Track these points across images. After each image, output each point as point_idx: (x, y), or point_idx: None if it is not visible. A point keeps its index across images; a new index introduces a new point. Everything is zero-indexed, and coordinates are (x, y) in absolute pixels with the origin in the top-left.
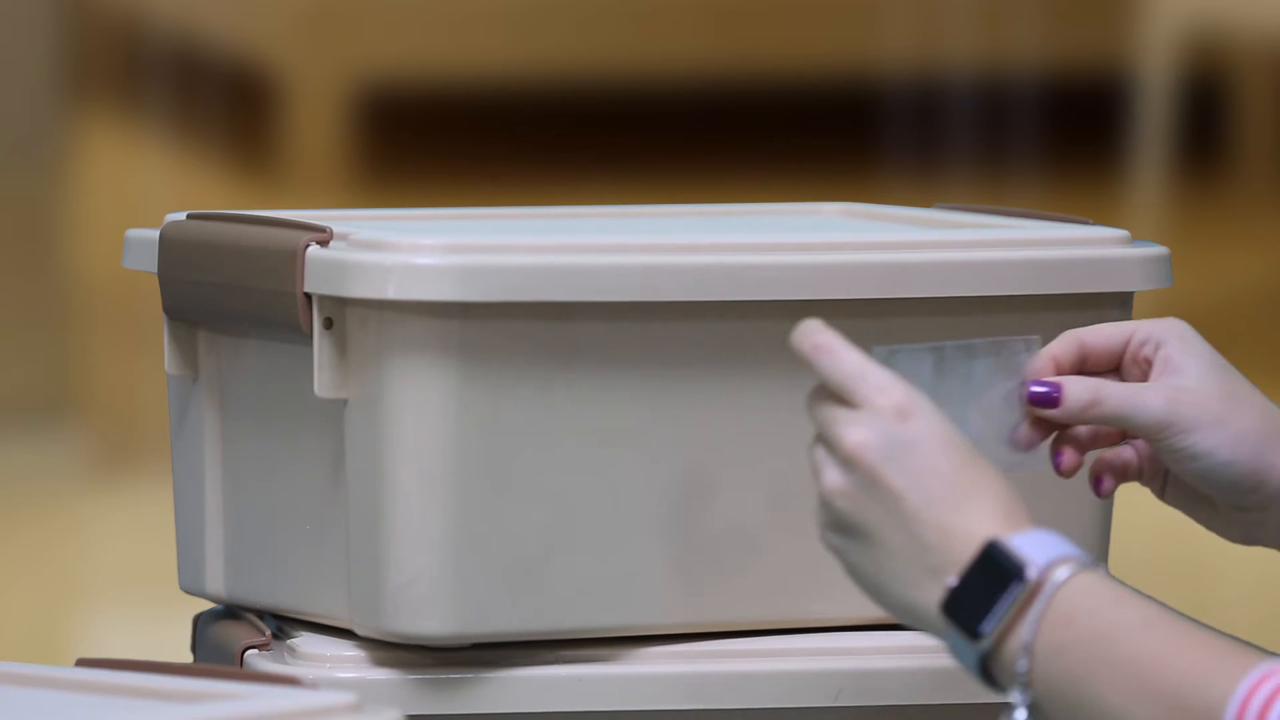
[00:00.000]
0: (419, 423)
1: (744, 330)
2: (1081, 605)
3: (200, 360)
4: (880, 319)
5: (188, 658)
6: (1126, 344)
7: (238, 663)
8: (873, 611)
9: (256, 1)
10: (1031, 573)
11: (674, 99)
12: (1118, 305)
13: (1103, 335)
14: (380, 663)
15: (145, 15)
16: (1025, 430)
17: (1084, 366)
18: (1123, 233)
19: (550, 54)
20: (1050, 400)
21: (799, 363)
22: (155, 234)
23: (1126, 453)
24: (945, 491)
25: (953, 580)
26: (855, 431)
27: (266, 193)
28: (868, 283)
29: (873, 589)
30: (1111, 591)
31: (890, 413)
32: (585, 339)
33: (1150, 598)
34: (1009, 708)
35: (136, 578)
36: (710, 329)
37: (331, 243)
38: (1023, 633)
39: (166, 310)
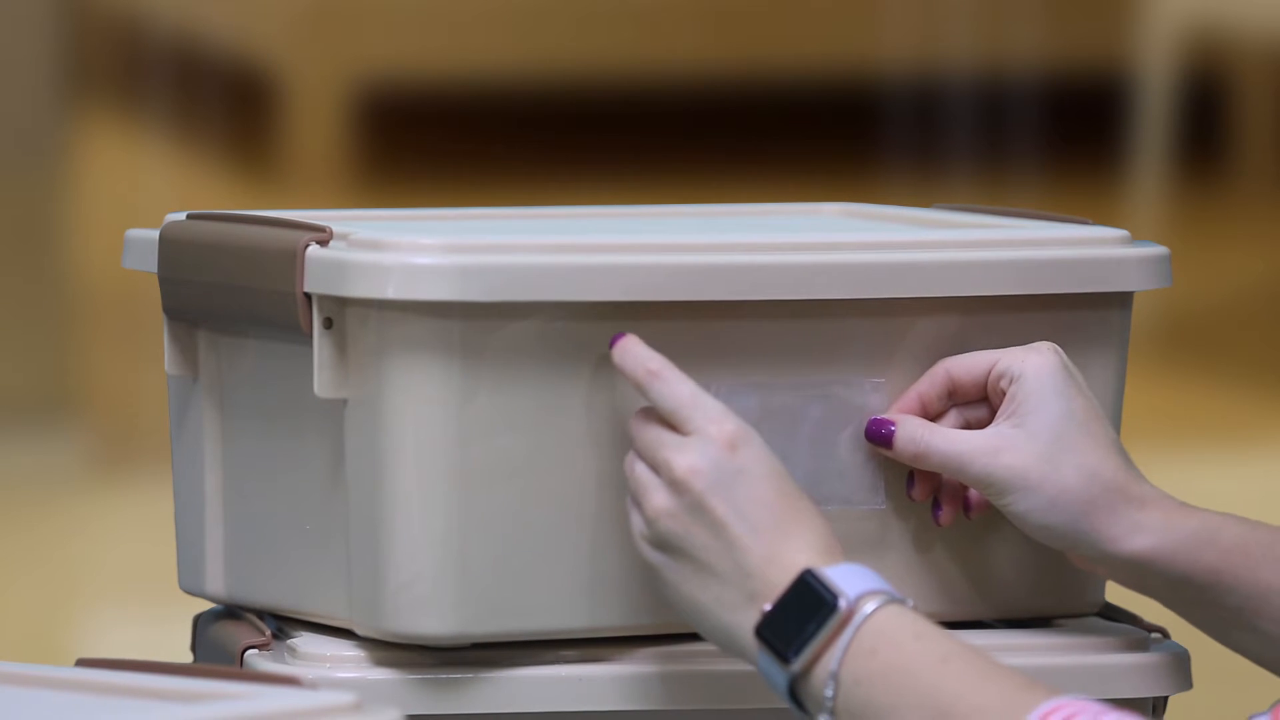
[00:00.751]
0: (419, 422)
1: (744, 330)
2: (886, 637)
3: (200, 360)
4: (880, 318)
5: (188, 658)
6: (988, 374)
7: (238, 663)
8: None
9: (256, 1)
10: (843, 603)
11: (674, 99)
12: (1117, 305)
13: (966, 365)
14: (380, 662)
15: (145, 15)
16: (917, 486)
17: (954, 398)
18: (1122, 232)
19: (550, 54)
20: (884, 440)
21: (631, 384)
22: (155, 234)
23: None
24: (769, 521)
25: (768, 606)
26: (686, 458)
27: (266, 193)
28: (867, 282)
29: (690, 608)
30: (915, 626)
31: (721, 442)
32: (585, 338)
33: (953, 635)
34: None
35: (136, 578)
36: (710, 328)
37: (331, 242)
38: (830, 660)
39: (166, 310)
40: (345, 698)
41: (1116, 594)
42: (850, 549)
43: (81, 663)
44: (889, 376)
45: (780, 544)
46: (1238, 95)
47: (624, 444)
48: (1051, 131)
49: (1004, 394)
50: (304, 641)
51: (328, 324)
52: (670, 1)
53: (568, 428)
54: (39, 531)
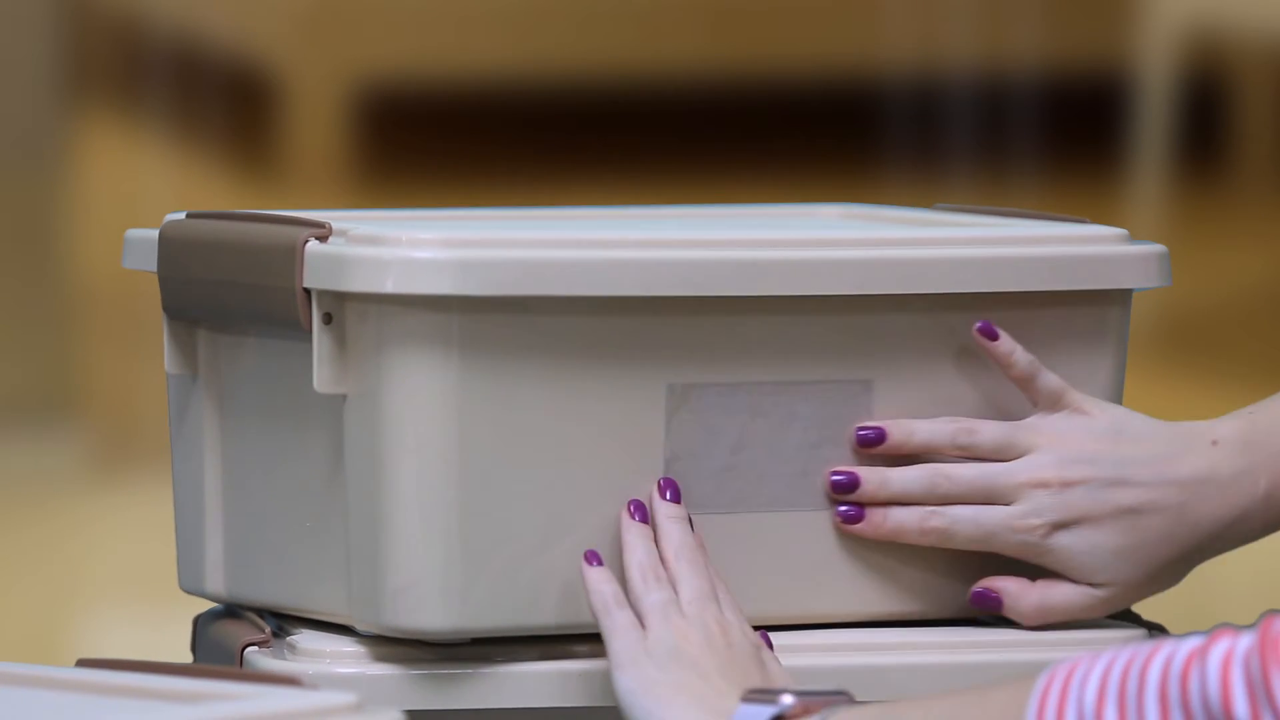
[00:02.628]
0: (418, 417)
1: (744, 326)
2: None
3: (200, 359)
4: (878, 315)
5: (188, 658)
6: None
7: (237, 660)
8: (873, 608)
9: (256, 1)
10: None
11: (674, 99)
12: (1116, 303)
13: None
14: (380, 658)
15: (145, 15)
16: None
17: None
18: (1121, 231)
19: (550, 54)
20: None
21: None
22: (155, 234)
23: None
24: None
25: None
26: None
27: (266, 193)
28: (867, 279)
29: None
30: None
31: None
32: (584, 333)
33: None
34: None
35: (136, 578)
36: (710, 324)
37: (330, 238)
38: None
39: (166, 309)
40: (346, 698)
41: None
42: (844, 550)
43: (81, 663)
44: (885, 375)
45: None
46: (1238, 95)
47: (624, 437)
48: (1051, 131)
49: None
50: (304, 638)
51: (327, 319)
52: (670, 1)
53: (567, 422)
54: (39, 531)
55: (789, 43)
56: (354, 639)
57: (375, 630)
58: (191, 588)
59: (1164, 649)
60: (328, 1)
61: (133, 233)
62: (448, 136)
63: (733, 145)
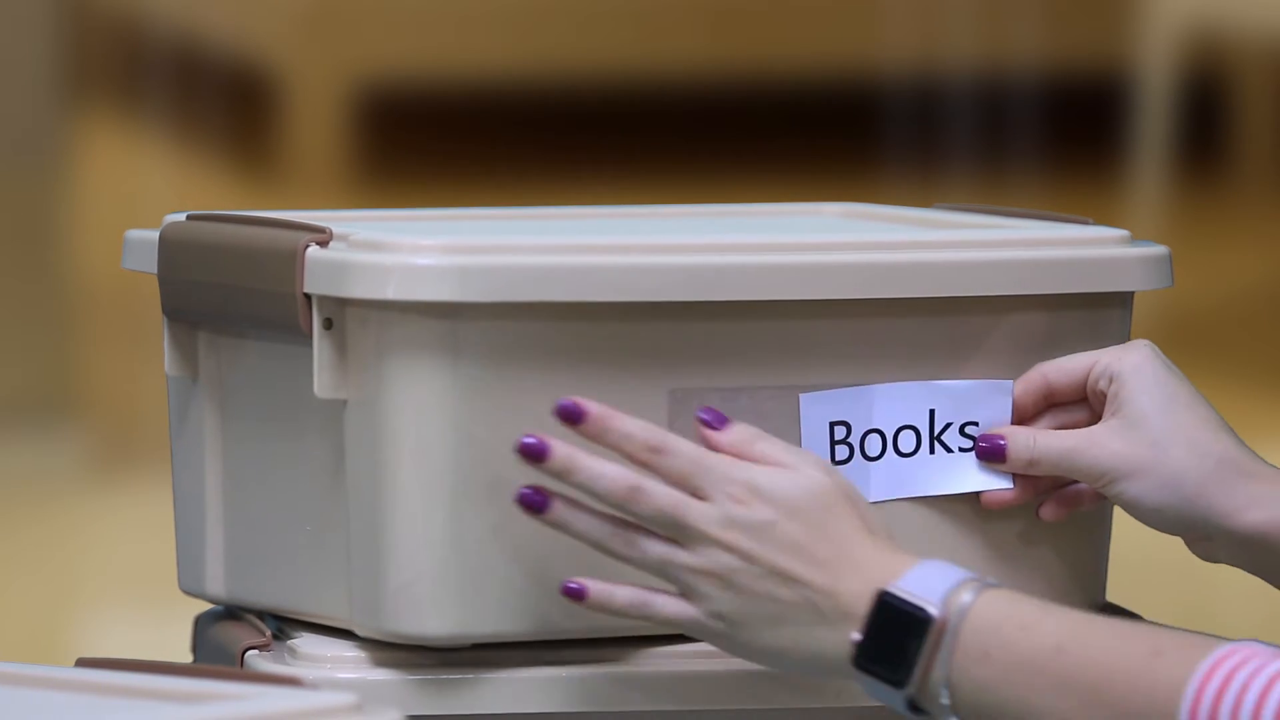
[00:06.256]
0: (419, 423)
1: (745, 330)
2: (992, 637)
3: (200, 361)
4: (880, 319)
5: (188, 658)
6: (1087, 376)
7: (238, 663)
8: None
9: (256, 1)
10: (934, 611)
11: (674, 99)
12: (1118, 305)
13: (1064, 369)
14: (381, 663)
15: (145, 15)
16: (1018, 488)
17: (1050, 401)
18: (1123, 232)
19: (550, 54)
20: (996, 454)
21: (630, 460)
22: (155, 235)
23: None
24: (822, 554)
25: (857, 635)
26: (713, 525)
27: (266, 193)
28: (868, 282)
29: (772, 657)
30: (1017, 615)
31: (735, 500)
32: (585, 339)
33: (1053, 609)
34: None
35: (136, 578)
36: (712, 329)
37: (331, 243)
38: (938, 670)
39: (166, 311)
40: (346, 698)
41: (1118, 594)
42: None
43: (81, 663)
44: (888, 378)
45: (841, 570)
46: (1238, 95)
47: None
48: (1051, 131)
49: (1104, 394)
50: (304, 642)
51: (328, 324)
52: (670, 1)
53: (567, 428)
54: (39, 531)
55: (789, 43)
56: (354, 643)
57: (375, 635)
58: (192, 589)
59: None
60: (328, 1)
61: (133, 233)
62: (448, 136)
63: (733, 145)
